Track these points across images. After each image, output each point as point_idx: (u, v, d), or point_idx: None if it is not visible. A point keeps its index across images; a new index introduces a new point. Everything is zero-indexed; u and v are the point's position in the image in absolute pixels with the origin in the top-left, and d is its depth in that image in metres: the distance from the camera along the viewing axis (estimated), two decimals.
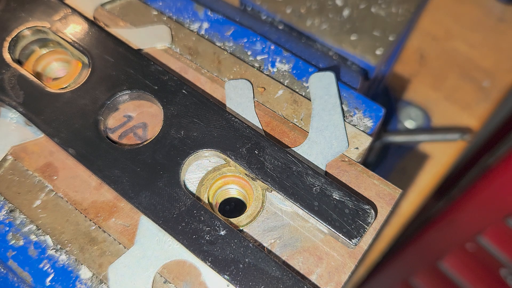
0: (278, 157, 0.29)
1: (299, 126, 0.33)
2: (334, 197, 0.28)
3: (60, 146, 0.30)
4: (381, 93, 0.64)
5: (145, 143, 0.30)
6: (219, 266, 0.27)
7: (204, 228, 0.28)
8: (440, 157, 0.64)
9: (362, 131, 0.32)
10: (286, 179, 0.29)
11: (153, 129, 0.33)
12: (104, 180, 0.29)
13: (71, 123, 0.31)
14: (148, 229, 0.29)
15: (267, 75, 0.35)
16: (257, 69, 0.35)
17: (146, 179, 0.29)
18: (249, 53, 0.36)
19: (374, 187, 0.30)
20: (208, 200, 0.30)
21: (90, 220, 0.30)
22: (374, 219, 0.28)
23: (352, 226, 0.27)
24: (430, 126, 0.65)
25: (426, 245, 0.61)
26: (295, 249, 0.29)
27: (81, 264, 0.29)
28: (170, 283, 0.28)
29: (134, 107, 0.33)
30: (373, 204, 0.30)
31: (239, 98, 0.33)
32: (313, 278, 0.28)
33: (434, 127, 0.65)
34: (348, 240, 0.27)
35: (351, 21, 0.40)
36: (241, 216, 0.30)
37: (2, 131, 0.32)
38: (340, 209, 0.28)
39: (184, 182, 0.30)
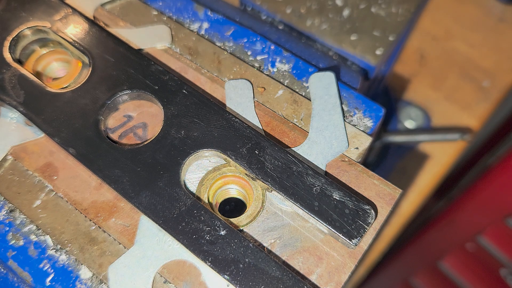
0: (278, 157, 0.29)
1: (299, 126, 0.33)
2: (334, 197, 0.28)
3: (61, 146, 0.30)
4: (381, 93, 0.64)
5: (145, 143, 0.30)
6: (219, 266, 0.27)
7: (204, 228, 0.28)
8: (440, 157, 0.64)
9: (362, 131, 0.32)
10: (286, 179, 0.29)
11: (153, 129, 0.33)
12: (104, 180, 0.29)
13: (71, 122, 0.31)
14: (148, 229, 0.29)
15: (267, 75, 0.35)
16: (257, 69, 0.35)
17: (147, 179, 0.29)
18: (249, 53, 0.36)
19: (374, 187, 0.30)
20: (208, 200, 0.30)
21: (90, 220, 0.30)
22: (374, 219, 0.28)
23: (352, 226, 0.27)
24: (430, 126, 0.65)
25: (426, 245, 0.61)
26: (295, 249, 0.29)
27: (81, 264, 0.29)
28: (170, 283, 0.28)
29: (134, 107, 0.33)
30: (373, 204, 0.30)
31: (239, 98, 0.33)
32: (313, 278, 0.28)
33: (434, 127, 0.65)
34: (348, 240, 0.27)
35: (351, 21, 0.40)
36: (241, 216, 0.30)
37: (2, 131, 0.32)
38: (340, 209, 0.28)
39: (184, 182, 0.30)
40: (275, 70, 0.35)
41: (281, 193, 0.28)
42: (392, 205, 0.30)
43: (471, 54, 0.69)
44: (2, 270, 0.30)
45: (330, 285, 0.28)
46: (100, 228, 0.30)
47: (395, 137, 0.60)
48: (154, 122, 0.33)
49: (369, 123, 0.33)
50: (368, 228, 0.27)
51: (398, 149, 0.65)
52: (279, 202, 0.30)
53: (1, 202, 0.31)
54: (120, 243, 0.29)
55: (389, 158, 0.64)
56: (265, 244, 0.29)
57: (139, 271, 0.28)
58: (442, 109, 0.66)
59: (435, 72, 0.68)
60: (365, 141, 0.32)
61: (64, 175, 0.31)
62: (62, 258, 0.29)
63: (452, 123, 0.65)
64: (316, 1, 0.41)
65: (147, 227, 0.29)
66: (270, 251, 0.29)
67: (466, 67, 0.68)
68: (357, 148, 0.32)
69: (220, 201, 0.32)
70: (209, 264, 0.27)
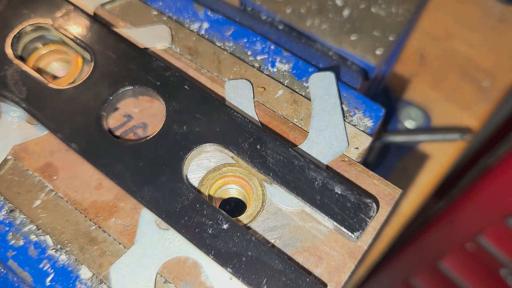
0: (280, 152, 0.29)
1: (299, 126, 0.33)
2: (336, 191, 0.28)
3: (63, 141, 0.30)
4: (381, 93, 0.64)
5: (147, 138, 0.30)
6: (222, 259, 0.27)
7: (207, 221, 0.28)
8: (440, 157, 0.64)
9: (362, 131, 0.32)
10: (288, 173, 0.29)
11: (153, 129, 0.33)
12: (107, 175, 0.29)
13: (73, 118, 0.31)
14: (148, 228, 0.29)
15: (267, 75, 0.35)
16: (257, 69, 0.35)
17: (149, 174, 0.29)
18: (249, 53, 0.36)
19: (374, 187, 0.30)
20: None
21: (90, 220, 0.30)
22: (376, 213, 0.28)
23: (354, 220, 0.27)
24: (430, 126, 0.65)
25: (426, 245, 0.61)
26: (295, 249, 0.29)
27: (81, 264, 0.29)
28: (170, 283, 0.28)
29: (134, 107, 0.33)
30: (375, 198, 0.30)
31: (239, 98, 0.33)
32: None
33: (434, 127, 0.65)
34: (350, 233, 0.27)
35: (351, 21, 0.40)
36: (241, 216, 0.30)
37: (4, 131, 0.32)
38: (342, 203, 0.28)
39: (186, 177, 0.30)
40: (275, 70, 0.35)
41: (283, 187, 0.28)
42: (392, 205, 0.30)
43: (471, 54, 0.69)
44: (2, 270, 0.30)
45: (330, 285, 0.28)
46: (100, 228, 0.30)
47: (395, 137, 0.60)
48: (154, 122, 0.33)
49: (369, 123, 0.33)
50: (369, 221, 0.27)
51: (398, 149, 0.65)
52: (279, 202, 0.30)
53: (1, 202, 0.31)
54: (120, 243, 0.29)
55: (389, 158, 0.64)
56: None
57: (141, 270, 0.28)
58: (442, 109, 0.66)
59: (435, 72, 0.68)
60: (365, 141, 0.32)
61: (64, 175, 0.31)
62: (62, 258, 0.29)
63: (452, 123, 0.65)
64: (316, 1, 0.41)
65: (147, 225, 0.29)
66: None
67: (466, 67, 0.68)
68: (357, 148, 0.32)
69: (220, 201, 0.32)
70: (212, 257, 0.27)
